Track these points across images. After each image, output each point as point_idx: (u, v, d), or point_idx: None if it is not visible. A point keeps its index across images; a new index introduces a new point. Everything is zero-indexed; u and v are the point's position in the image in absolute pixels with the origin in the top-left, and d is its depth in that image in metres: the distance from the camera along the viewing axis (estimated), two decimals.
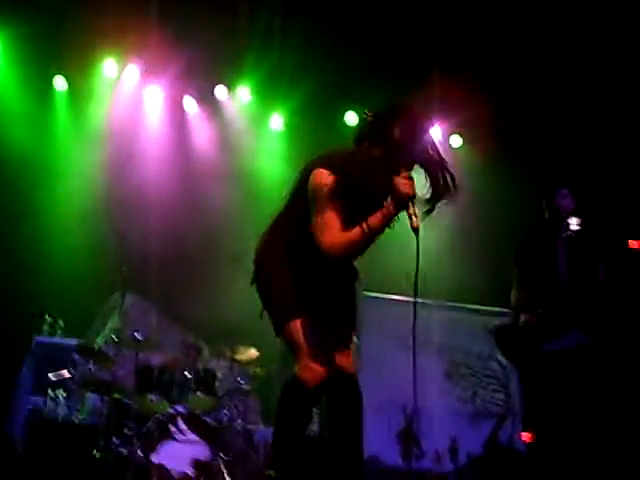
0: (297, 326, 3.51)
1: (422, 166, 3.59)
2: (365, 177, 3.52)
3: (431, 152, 3.58)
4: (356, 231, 3.46)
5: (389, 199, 3.49)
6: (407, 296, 8.10)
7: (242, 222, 8.35)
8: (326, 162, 3.55)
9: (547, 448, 4.96)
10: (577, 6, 7.44)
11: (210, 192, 8.67)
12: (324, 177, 3.49)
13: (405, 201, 3.45)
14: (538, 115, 8.47)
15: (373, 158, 3.52)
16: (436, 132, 8.99)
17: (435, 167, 3.60)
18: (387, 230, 3.80)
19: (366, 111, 3.63)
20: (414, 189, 3.47)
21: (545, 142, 8.52)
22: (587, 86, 8.05)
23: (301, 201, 3.58)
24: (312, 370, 3.47)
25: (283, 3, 7.90)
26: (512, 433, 7.92)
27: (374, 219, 3.47)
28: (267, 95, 9.09)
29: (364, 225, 3.47)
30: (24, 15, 7.74)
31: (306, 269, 3.59)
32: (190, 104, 9.16)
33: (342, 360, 3.61)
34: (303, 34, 7.98)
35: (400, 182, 3.45)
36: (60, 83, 8.61)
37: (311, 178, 3.53)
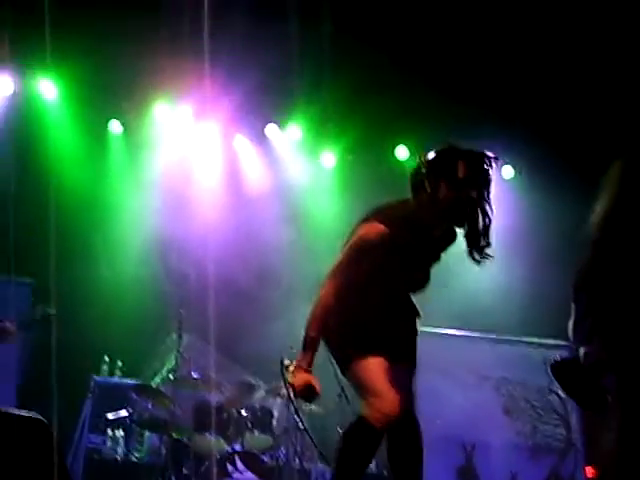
0: (363, 366, 3.51)
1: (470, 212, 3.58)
2: (422, 230, 3.57)
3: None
4: (311, 335, 3.51)
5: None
6: (457, 330, 8.11)
7: (297, 259, 8.38)
8: (383, 216, 3.57)
9: None
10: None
11: (264, 231, 8.71)
12: (374, 232, 3.52)
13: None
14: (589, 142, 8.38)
15: (436, 207, 3.54)
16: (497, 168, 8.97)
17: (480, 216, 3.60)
18: (433, 263, 3.80)
19: (420, 156, 3.63)
20: (299, 386, 3.52)
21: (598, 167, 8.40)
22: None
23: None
24: (381, 412, 3.44)
25: (333, 41, 7.96)
26: (574, 469, 7.76)
27: (301, 357, 3.54)
28: (318, 132, 9.14)
29: (308, 342, 3.52)
30: (80, 61, 7.91)
31: (368, 308, 3.59)
32: (242, 143, 9.26)
33: (405, 399, 3.58)
34: (353, 70, 8.03)
35: (292, 374, 3.55)
36: (115, 127, 8.78)
37: (364, 226, 3.57)
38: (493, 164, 3.57)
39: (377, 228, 3.51)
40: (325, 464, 6.96)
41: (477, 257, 3.62)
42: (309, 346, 3.54)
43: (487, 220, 3.58)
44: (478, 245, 3.61)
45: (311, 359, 3.56)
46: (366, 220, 3.59)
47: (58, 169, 8.13)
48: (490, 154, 3.58)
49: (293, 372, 3.56)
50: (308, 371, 3.54)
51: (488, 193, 3.57)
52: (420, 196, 3.56)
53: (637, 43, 7.41)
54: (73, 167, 8.33)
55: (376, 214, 3.60)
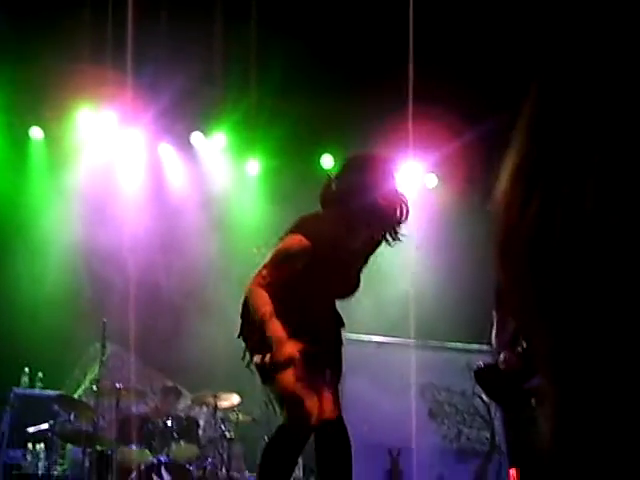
0: (281, 375, 3.49)
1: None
2: (340, 240, 3.61)
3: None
4: (264, 310, 3.46)
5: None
6: (384, 337, 8.17)
7: (220, 267, 8.34)
8: (306, 229, 3.61)
9: None
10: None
11: (188, 239, 8.65)
12: (296, 244, 3.57)
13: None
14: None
15: (349, 217, 3.56)
16: (411, 171, 9.06)
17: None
18: (366, 271, 3.84)
19: (329, 175, 3.69)
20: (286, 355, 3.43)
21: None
22: None
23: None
24: (299, 421, 3.44)
25: (258, 48, 7.95)
26: (499, 471, 7.87)
27: (271, 328, 3.43)
28: (243, 140, 9.12)
29: (267, 315, 3.46)
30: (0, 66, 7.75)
31: (291, 317, 3.58)
32: (167, 151, 9.18)
33: (329, 405, 3.58)
34: (278, 76, 8.03)
35: (279, 346, 3.42)
36: (36, 133, 8.62)
37: (288, 237, 3.62)
38: (395, 172, 3.66)
39: (300, 241, 3.56)
40: (252, 473, 6.93)
41: (390, 240, 3.65)
42: (269, 319, 3.45)
43: (401, 217, 3.61)
44: (391, 232, 3.65)
45: (280, 328, 3.44)
46: (291, 232, 3.63)
47: None
48: (391, 165, 3.68)
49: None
50: (285, 339, 3.44)
51: (398, 192, 3.60)
52: (334, 209, 3.60)
53: None
54: None
55: (301, 226, 3.63)
